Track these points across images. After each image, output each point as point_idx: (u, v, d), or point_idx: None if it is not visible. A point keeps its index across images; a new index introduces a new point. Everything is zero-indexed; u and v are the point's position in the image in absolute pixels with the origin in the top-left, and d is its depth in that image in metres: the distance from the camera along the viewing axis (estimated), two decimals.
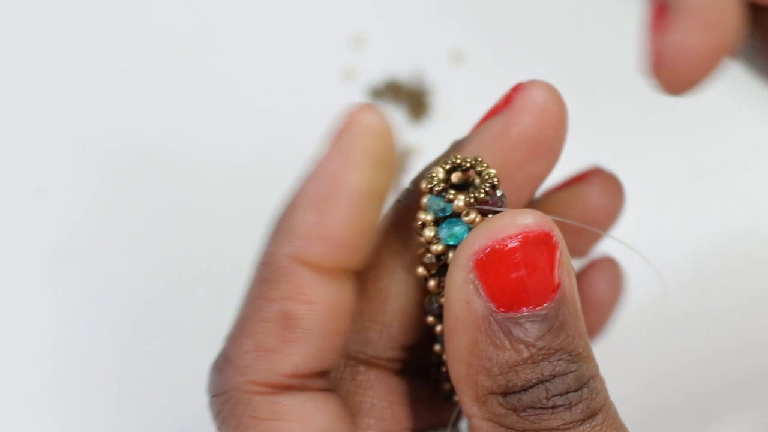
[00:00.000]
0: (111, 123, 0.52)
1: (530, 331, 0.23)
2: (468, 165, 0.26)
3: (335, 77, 0.53)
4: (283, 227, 0.25)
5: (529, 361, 0.23)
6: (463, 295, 0.24)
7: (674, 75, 0.28)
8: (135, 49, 0.55)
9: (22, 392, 0.44)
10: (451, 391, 0.29)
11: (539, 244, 0.24)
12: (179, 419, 0.43)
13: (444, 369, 0.29)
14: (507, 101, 0.28)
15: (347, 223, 0.24)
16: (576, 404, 0.23)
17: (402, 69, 0.54)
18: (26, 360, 0.45)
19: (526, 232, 0.24)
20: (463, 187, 0.26)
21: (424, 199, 0.26)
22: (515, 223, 0.24)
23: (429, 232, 0.26)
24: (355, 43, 0.55)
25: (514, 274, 0.23)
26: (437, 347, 0.29)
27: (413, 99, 0.53)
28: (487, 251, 0.24)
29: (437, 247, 0.25)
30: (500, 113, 0.28)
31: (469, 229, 0.25)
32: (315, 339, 0.25)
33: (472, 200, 0.25)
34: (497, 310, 0.23)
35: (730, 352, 0.43)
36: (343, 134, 0.25)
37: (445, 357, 0.26)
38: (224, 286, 0.46)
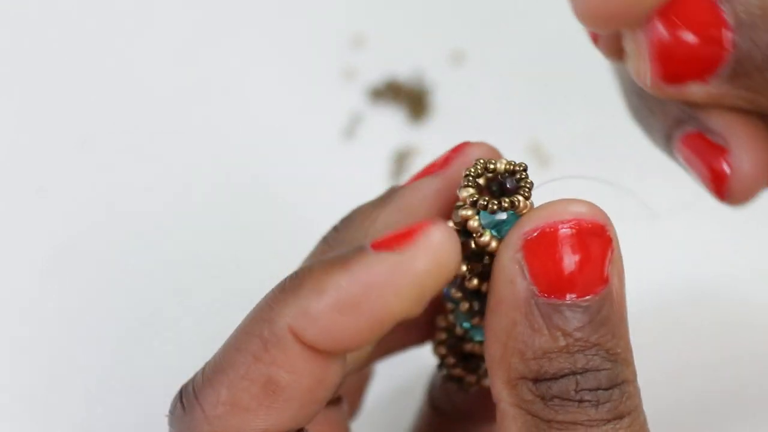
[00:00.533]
0: (111, 123, 0.52)
1: (570, 319, 0.23)
2: (485, 167, 0.26)
3: (335, 77, 0.53)
4: (297, 295, 0.24)
5: (564, 350, 0.23)
6: (508, 274, 0.24)
7: (743, 197, 0.29)
8: (135, 49, 0.55)
9: (22, 392, 0.44)
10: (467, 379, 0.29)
11: (592, 234, 0.24)
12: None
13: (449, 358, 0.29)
14: (445, 162, 0.28)
15: (363, 333, 0.24)
16: (603, 403, 0.23)
17: (402, 69, 0.54)
18: (26, 360, 0.45)
19: (579, 220, 0.24)
20: (497, 189, 0.26)
21: (475, 222, 0.25)
22: (569, 210, 0.24)
23: (474, 223, 0.25)
24: (355, 43, 0.55)
25: (561, 260, 0.24)
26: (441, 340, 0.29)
27: (413, 99, 0.53)
28: (536, 234, 0.24)
29: (485, 239, 0.25)
30: (435, 173, 0.27)
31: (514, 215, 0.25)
32: (293, 407, 0.24)
33: (527, 194, 0.25)
34: (540, 294, 0.24)
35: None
36: (408, 254, 0.23)
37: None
38: (225, 285, 0.46)
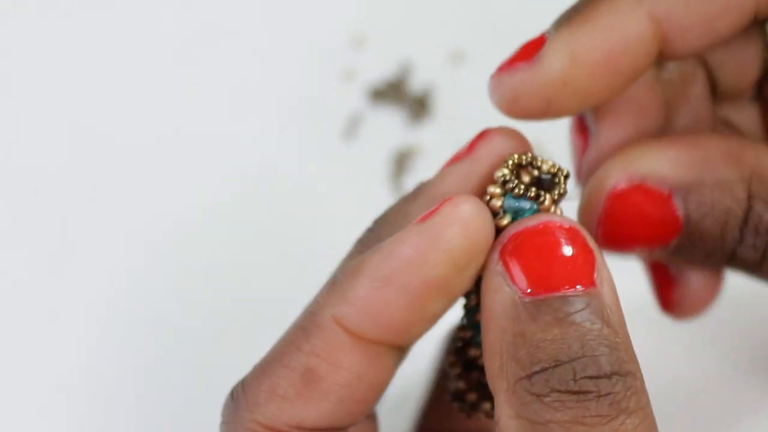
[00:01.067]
0: (112, 122, 0.52)
1: (559, 310, 0.23)
2: (529, 161, 0.26)
3: (335, 77, 0.53)
4: (338, 285, 0.25)
5: (556, 337, 0.23)
6: (492, 286, 0.24)
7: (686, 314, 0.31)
8: (136, 48, 0.55)
9: (22, 392, 0.44)
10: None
11: (567, 238, 0.24)
12: (179, 418, 0.43)
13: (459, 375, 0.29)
14: (470, 148, 0.28)
15: (403, 311, 0.24)
16: (606, 394, 0.22)
17: (402, 69, 0.54)
18: (27, 359, 0.45)
19: (549, 225, 0.24)
20: (532, 183, 0.26)
21: (498, 202, 0.25)
22: (539, 219, 0.25)
23: (497, 202, 0.25)
24: (355, 43, 0.55)
25: (539, 260, 0.24)
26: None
27: (413, 99, 0.53)
28: (512, 239, 0.24)
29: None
30: (463, 159, 0.28)
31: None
32: (331, 402, 0.24)
33: (556, 197, 0.25)
34: (524, 295, 0.23)
35: None
36: (432, 222, 0.24)
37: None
38: (226, 285, 0.46)
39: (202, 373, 0.43)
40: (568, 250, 0.24)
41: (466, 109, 0.52)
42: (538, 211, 0.25)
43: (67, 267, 0.48)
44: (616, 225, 0.27)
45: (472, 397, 0.29)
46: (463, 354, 0.29)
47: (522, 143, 0.27)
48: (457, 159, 0.28)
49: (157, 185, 0.50)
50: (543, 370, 0.22)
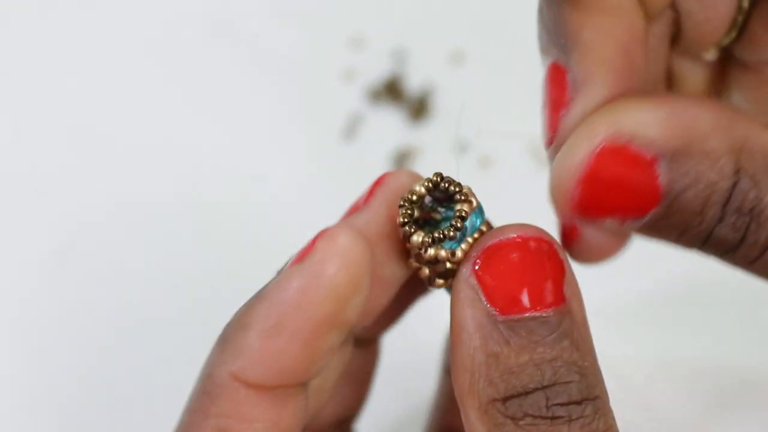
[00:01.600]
0: (112, 122, 0.52)
1: (531, 333, 0.23)
2: (414, 196, 0.26)
3: (335, 77, 0.53)
4: (228, 343, 0.24)
5: (529, 364, 0.23)
6: (464, 299, 0.24)
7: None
8: (134, 51, 0.55)
9: (23, 392, 0.44)
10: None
11: (541, 252, 0.24)
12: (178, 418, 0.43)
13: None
14: (368, 197, 0.27)
15: (299, 354, 0.23)
16: (576, 419, 0.23)
17: (402, 69, 0.54)
18: (26, 359, 0.45)
19: (524, 238, 0.24)
20: (446, 199, 0.26)
21: (437, 251, 0.25)
22: (514, 231, 0.24)
23: (417, 238, 0.25)
24: (355, 43, 0.55)
25: (514, 277, 0.24)
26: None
27: (413, 99, 0.53)
28: (485, 256, 0.24)
29: (430, 251, 0.25)
30: (360, 210, 0.27)
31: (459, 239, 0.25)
32: None
33: (428, 240, 0.25)
34: (498, 314, 0.23)
35: None
36: (310, 262, 0.24)
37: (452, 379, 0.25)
38: (226, 283, 0.46)
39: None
40: (541, 266, 0.24)
41: (466, 109, 0.53)
42: (476, 214, 0.25)
43: (67, 266, 0.48)
44: (594, 190, 0.24)
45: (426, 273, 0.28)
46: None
47: (414, 180, 0.27)
48: (354, 210, 0.27)
49: (158, 186, 0.50)
50: (517, 395, 0.23)
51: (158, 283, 0.47)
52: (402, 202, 0.26)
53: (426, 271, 0.26)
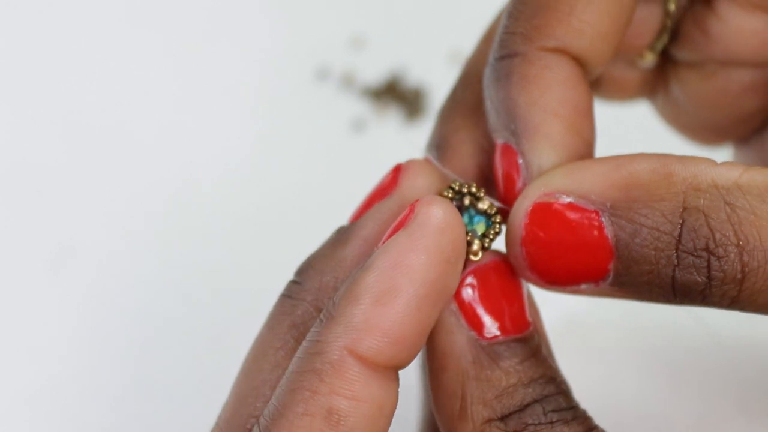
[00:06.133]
0: (112, 122, 0.52)
1: (516, 354, 0.25)
2: (467, 190, 0.26)
3: (335, 78, 0.54)
4: (339, 316, 0.24)
5: (520, 383, 0.24)
6: (446, 326, 0.25)
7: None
8: (135, 49, 0.55)
9: (23, 391, 0.44)
10: None
11: (511, 276, 0.25)
12: (179, 417, 0.43)
13: None
14: (392, 183, 0.28)
15: (409, 319, 0.23)
16: (572, 420, 0.24)
17: (401, 69, 0.54)
18: (26, 359, 0.45)
19: (497, 263, 0.25)
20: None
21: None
22: (488, 256, 0.25)
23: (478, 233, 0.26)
24: (355, 43, 0.55)
25: (491, 301, 0.25)
26: None
27: (412, 99, 0.53)
28: (463, 284, 0.25)
29: None
30: (389, 196, 0.28)
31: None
32: None
33: (492, 235, 0.26)
34: (481, 338, 0.24)
35: None
36: (414, 226, 0.24)
37: (431, 400, 0.26)
38: (226, 284, 0.46)
39: (207, 375, 0.43)
40: (514, 289, 0.25)
41: None
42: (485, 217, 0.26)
43: (69, 265, 0.48)
44: (539, 248, 0.25)
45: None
46: None
47: (439, 174, 0.27)
48: (378, 196, 0.28)
49: (159, 186, 0.50)
50: (515, 412, 0.24)
51: (159, 282, 0.47)
52: (448, 190, 0.26)
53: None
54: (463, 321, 0.25)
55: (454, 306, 0.25)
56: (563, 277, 0.25)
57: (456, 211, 0.24)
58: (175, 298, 0.47)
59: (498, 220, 0.26)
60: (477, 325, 0.25)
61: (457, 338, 0.25)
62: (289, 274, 0.27)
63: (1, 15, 0.56)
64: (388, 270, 0.23)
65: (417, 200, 0.24)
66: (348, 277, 0.25)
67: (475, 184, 0.27)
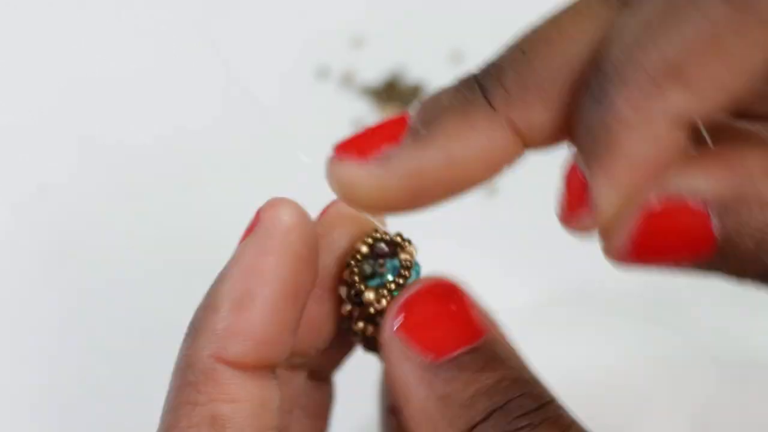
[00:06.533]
0: (111, 122, 0.52)
1: (469, 365, 0.24)
2: (388, 239, 0.27)
3: (335, 78, 0.54)
4: (201, 327, 0.25)
5: (479, 392, 0.24)
6: (396, 358, 0.25)
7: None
8: (135, 48, 0.55)
9: (21, 392, 0.44)
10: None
11: (447, 295, 0.25)
12: None
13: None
14: (254, 222, 0.28)
15: (269, 320, 0.24)
16: (540, 423, 0.24)
17: (401, 69, 0.54)
18: (26, 359, 0.45)
19: (430, 287, 0.26)
20: (390, 253, 0.27)
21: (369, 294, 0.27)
22: (420, 284, 0.26)
23: (369, 295, 0.27)
24: (355, 43, 0.55)
25: (433, 323, 0.25)
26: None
27: (412, 99, 0.53)
28: (402, 312, 0.25)
29: (368, 295, 0.27)
30: (253, 232, 0.27)
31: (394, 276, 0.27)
32: None
33: (384, 293, 0.26)
34: (431, 359, 0.25)
35: None
36: (260, 231, 0.25)
37: None
38: None
39: None
40: (454, 308, 0.25)
41: None
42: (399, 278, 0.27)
43: (67, 266, 0.48)
44: (648, 243, 0.25)
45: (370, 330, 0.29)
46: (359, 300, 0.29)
47: (300, 213, 0.27)
48: (247, 233, 0.28)
49: (160, 187, 0.50)
50: (482, 421, 0.24)
51: (159, 282, 0.47)
52: (350, 262, 0.27)
53: (361, 325, 0.27)
54: (410, 350, 0.25)
55: (398, 338, 0.25)
56: (654, 262, 0.25)
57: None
58: (175, 298, 0.47)
59: (406, 274, 0.26)
60: (423, 348, 0.25)
61: (409, 365, 0.25)
62: None
63: (2, 12, 0.56)
64: (240, 276, 0.24)
65: (261, 207, 0.25)
66: (214, 280, 0.25)
67: (400, 234, 0.27)
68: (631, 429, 0.41)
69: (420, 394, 0.24)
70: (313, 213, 0.27)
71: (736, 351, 0.42)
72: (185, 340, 0.25)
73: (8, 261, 0.48)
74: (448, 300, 0.25)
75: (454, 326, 0.25)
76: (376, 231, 0.27)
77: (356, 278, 0.27)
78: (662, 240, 0.25)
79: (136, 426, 0.43)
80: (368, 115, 0.53)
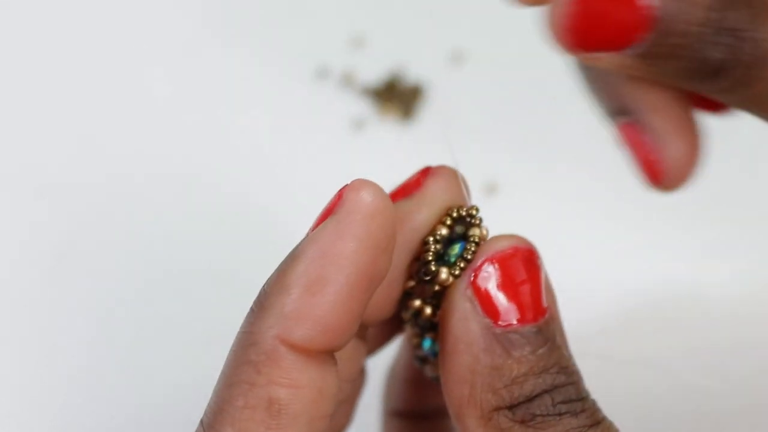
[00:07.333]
0: (111, 122, 0.52)
1: (529, 342, 0.25)
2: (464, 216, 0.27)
3: (335, 78, 0.54)
4: (270, 307, 0.24)
5: (531, 372, 0.24)
6: (461, 312, 0.25)
7: (676, 184, 0.31)
8: (137, 50, 0.55)
9: (22, 392, 0.44)
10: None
11: (530, 262, 0.25)
12: (177, 417, 0.43)
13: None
14: (417, 183, 0.28)
15: (340, 307, 0.23)
16: (580, 412, 0.24)
17: (401, 69, 0.54)
18: (26, 359, 0.45)
19: (516, 249, 0.25)
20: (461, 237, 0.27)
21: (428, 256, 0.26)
22: (506, 242, 0.26)
23: (444, 276, 0.26)
24: (354, 43, 0.55)
25: (509, 289, 0.25)
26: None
27: (412, 99, 0.53)
28: (480, 270, 0.25)
29: (440, 275, 0.26)
30: (410, 196, 0.28)
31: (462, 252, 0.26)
32: (302, 425, 0.24)
33: (457, 272, 0.26)
34: (495, 325, 0.25)
35: None
36: (342, 214, 0.24)
37: (442, 383, 0.26)
38: (224, 284, 0.46)
39: (208, 375, 0.43)
40: (531, 276, 0.25)
41: (465, 109, 0.53)
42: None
43: (67, 266, 0.48)
44: (587, 23, 0.26)
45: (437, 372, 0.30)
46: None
47: (460, 189, 0.28)
48: (401, 194, 0.28)
49: (161, 187, 0.50)
50: (524, 402, 0.24)
51: (159, 282, 0.47)
52: (427, 241, 0.27)
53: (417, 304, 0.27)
54: (478, 308, 0.25)
55: (469, 292, 0.25)
56: (593, 38, 0.26)
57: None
58: (175, 298, 0.47)
59: (473, 249, 0.26)
60: (492, 312, 0.25)
61: (471, 325, 0.25)
62: None
63: (2, 12, 0.56)
64: (317, 259, 0.23)
65: (346, 185, 0.24)
66: (286, 257, 0.24)
67: (475, 207, 0.27)
68: None
69: (471, 354, 0.25)
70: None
71: None
72: (249, 316, 0.24)
73: (8, 261, 0.48)
74: (527, 268, 0.25)
75: (525, 299, 0.25)
76: (456, 211, 0.27)
77: (429, 256, 0.26)
78: (600, 20, 0.25)
79: (136, 426, 0.43)
80: (368, 115, 0.52)
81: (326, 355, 0.24)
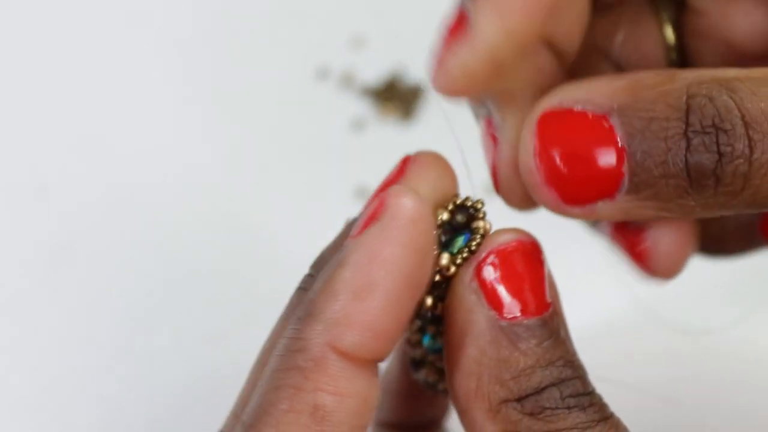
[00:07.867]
0: (111, 123, 0.52)
1: (535, 335, 0.24)
2: (469, 206, 0.27)
3: (335, 78, 0.54)
4: (317, 312, 0.24)
5: (537, 365, 0.24)
6: (466, 305, 0.25)
7: (669, 273, 0.30)
8: (135, 49, 0.55)
9: (22, 392, 0.44)
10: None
11: (534, 256, 0.25)
12: (177, 417, 0.43)
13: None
14: (399, 174, 0.28)
15: (388, 312, 0.23)
16: (589, 406, 0.24)
17: (401, 69, 0.54)
18: (25, 359, 0.45)
19: (521, 242, 0.25)
20: (464, 225, 0.27)
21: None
22: (510, 235, 0.26)
23: (444, 262, 0.26)
24: (354, 43, 0.55)
25: (513, 282, 0.25)
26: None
27: (412, 99, 0.53)
28: (485, 262, 0.25)
29: (443, 262, 0.26)
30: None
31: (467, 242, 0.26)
32: None
33: (459, 261, 0.26)
34: (501, 318, 0.24)
35: None
36: (386, 219, 0.24)
37: (447, 378, 0.26)
38: (223, 284, 0.46)
39: (208, 375, 0.44)
40: (535, 269, 0.25)
41: (465, 109, 0.53)
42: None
43: (67, 266, 0.48)
44: (551, 159, 0.25)
45: (433, 377, 0.30)
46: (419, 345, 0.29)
47: (450, 172, 0.28)
48: (384, 189, 0.27)
49: (158, 186, 0.50)
50: (531, 394, 0.24)
51: (159, 282, 0.47)
52: (448, 205, 0.27)
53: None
54: (483, 300, 0.25)
55: (474, 284, 0.25)
56: (578, 191, 0.25)
57: (425, 201, 0.24)
58: (172, 299, 0.47)
59: (477, 240, 0.26)
60: (497, 305, 0.25)
61: (477, 317, 0.25)
62: (288, 273, 0.27)
63: (2, 12, 0.56)
64: (364, 264, 0.23)
65: (385, 191, 0.24)
66: (324, 270, 0.24)
67: (481, 200, 0.27)
68: None
69: (477, 346, 0.25)
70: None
71: None
72: (296, 322, 0.24)
73: (8, 261, 0.48)
74: (531, 261, 0.25)
75: (531, 293, 0.25)
76: (457, 199, 0.27)
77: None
78: (571, 158, 0.25)
79: (136, 425, 0.43)
80: (368, 115, 0.53)
81: (372, 364, 0.24)
